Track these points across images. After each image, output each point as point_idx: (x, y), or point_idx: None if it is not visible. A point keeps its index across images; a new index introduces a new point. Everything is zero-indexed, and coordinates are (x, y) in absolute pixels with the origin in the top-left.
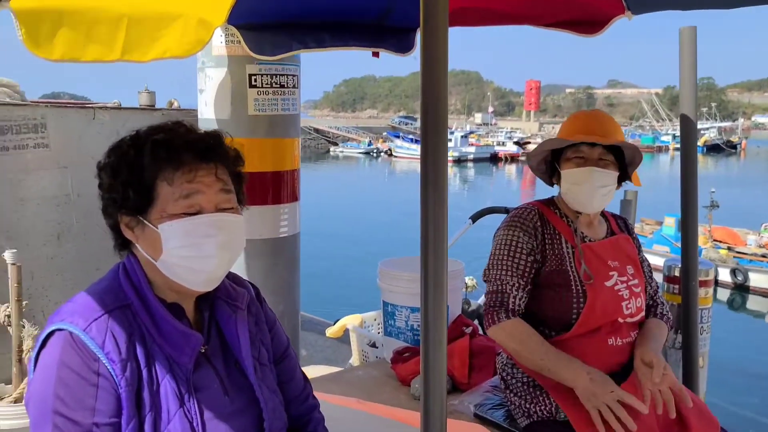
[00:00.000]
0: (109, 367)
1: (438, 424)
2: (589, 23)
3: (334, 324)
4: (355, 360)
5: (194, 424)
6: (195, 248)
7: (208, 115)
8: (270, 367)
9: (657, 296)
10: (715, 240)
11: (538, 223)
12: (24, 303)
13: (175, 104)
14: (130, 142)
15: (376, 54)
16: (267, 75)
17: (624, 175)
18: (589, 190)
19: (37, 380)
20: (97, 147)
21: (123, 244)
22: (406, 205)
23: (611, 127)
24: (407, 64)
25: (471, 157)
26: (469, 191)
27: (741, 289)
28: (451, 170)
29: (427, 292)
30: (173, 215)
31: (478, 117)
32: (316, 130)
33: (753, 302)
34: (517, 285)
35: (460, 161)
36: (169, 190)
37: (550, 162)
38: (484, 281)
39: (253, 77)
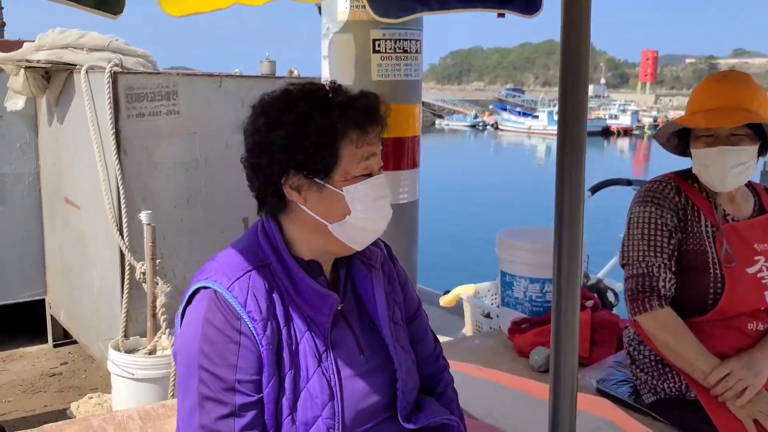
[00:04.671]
0: (250, 326)
1: (568, 396)
2: None
3: (446, 294)
4: (468, 330)
5: (332, 383)
6: (375, 210)
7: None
8: (403, 327)
9: None
10: None
11: (676, 198)
12: (157, 262)
13: (295, 72)
14: (306, 103)
15: (501, 15)
16: (390, 40)
17: (764, 145)
18: (720, 171)
19: (184, 335)
20: (223, 114)
21: (277, 206)
22: (514, 177)
23: (746, 96)
24: (515, 35)
25: None
26: None
27: None
28: None
29: (561, 263)
30: (356, 177)
31: (590, 89)
32: (422, 103)
33: None
34: (663, 266)
35: None
36: (353, 152)
37: (680, 135)
38: (622, 265)
39: (376, 42)
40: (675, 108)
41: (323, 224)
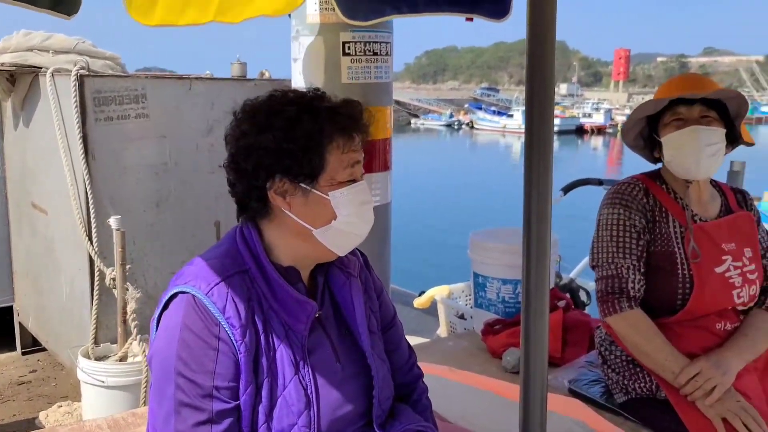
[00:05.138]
0: (229, 332)
1: (538, 397)
2: None
3: (420, 295)
4: (442, 331)
5: (308, 391)
6: (358, 215)
7: (301, 83)
8: (379, 335)
9: None
10: None
11: (644, 199)
12: (127, 267)
13: (267, 74)
14: (296, 107)
15: (470, 19)
16: (360, 42)
17: (731, 133)
18: (695, 152)
19: (160, 340)
20: (193, 117)
21: (259, 211)
22: (489, 177)
23: (706, 82)
24: (489, 35)
25: (555, 129)
26: (554, 164)
27: None
28: None
29: (530, 264)
30: (342, 183)
31: (563, 88)
32: (397, 103)
33: None
34: (633, 267)
35: None
36: (339, 158)
37: (647, 135)
38: (592, 266)
39: (346, 45)
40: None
41: (307, 229)
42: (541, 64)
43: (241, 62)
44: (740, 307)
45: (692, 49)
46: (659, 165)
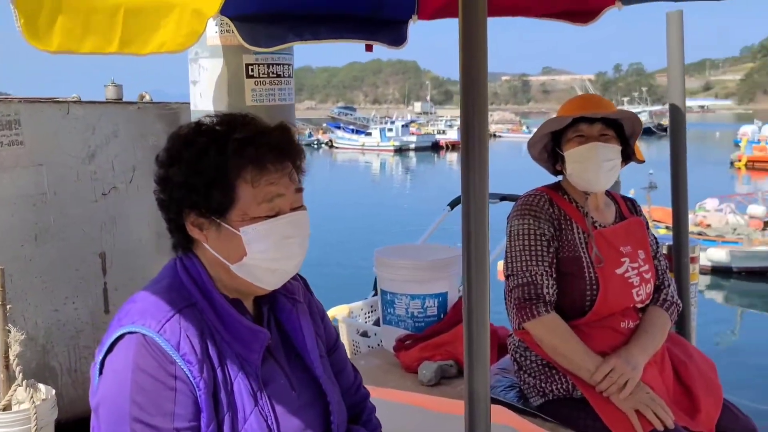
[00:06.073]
0: (185, 370)
1: (483, 408)
2: (583, 13)
3: None
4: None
5: (269, 422)
6: (278, 250)
7: (203, 107)
8: (326, 359)
9: (665, 277)
10: (654, 220)
11: (550, 209)
12: (8, 307)
13: (147, 97)
14: (207, 139)
15: (369, 47)
16: (264, 65)
17: (626, 150)
18: (595, 166)
19: (108, 386)
20: (72, 143)
21: (182, 242)
22: (356, 197)
23: (606, 103)
24: (342, 54)
25: (413, 146)
26: (413, 180)
27: None
28: (393, 159)
29: (470, 277)
30: (255, 218)
31: (417, 106)
32: None
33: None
34: (546, 273)
35: (401, 150)
36: (252, 192)
37: (551, 150)
38: (506, 276)
39: (250, 67)
40: (496, 122)
41: (225, 264)
42: (474, 86)
43: (116, 84)
44: (639, 305)
45: (533, 69)
46: (559, 177)
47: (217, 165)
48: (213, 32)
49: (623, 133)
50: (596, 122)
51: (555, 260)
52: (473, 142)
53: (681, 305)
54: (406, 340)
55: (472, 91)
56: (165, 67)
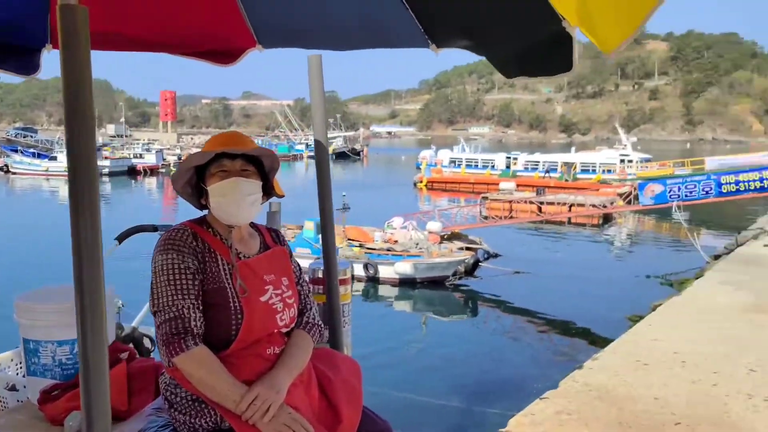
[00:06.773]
0: None
1: None
2: (224, 54)
3: None
4: None
5: None
6: None
7: None
8: None
9: (307, 300)
10: (349, 239)
11: (194, 243)
12: None
13: None
14: None
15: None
16: None
17: (267, 186)
18: (236, 201)
19: None
20: None
21: None
22: (28, 229)
23: (247, 140)
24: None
25: (106, 171)
26: (109, 208)
27: (373, 280)
28: None
29: (84, 321)
30: None
31: (110, 128)
32: None
33: (383, 290)
34: (192, 306)
35: None
36: None
37: (195, 184)
38: (153, 312)
39: None
40: (197, 146)
41: None
42: (80, 107)
43: None
44: (284, 329)
45: (233, 93)
46: (205, 212)
47: None
48: None
49: (263, 170)
50: (237, 158)
51: (201, 293)
52: (81, 179)
53: (323, 326)
54: (52, 391)
55: (79, 136)
56: None
